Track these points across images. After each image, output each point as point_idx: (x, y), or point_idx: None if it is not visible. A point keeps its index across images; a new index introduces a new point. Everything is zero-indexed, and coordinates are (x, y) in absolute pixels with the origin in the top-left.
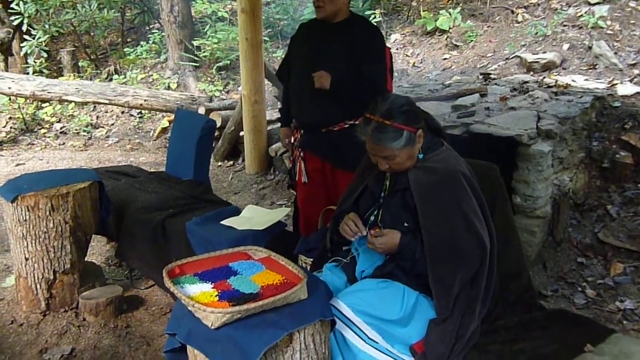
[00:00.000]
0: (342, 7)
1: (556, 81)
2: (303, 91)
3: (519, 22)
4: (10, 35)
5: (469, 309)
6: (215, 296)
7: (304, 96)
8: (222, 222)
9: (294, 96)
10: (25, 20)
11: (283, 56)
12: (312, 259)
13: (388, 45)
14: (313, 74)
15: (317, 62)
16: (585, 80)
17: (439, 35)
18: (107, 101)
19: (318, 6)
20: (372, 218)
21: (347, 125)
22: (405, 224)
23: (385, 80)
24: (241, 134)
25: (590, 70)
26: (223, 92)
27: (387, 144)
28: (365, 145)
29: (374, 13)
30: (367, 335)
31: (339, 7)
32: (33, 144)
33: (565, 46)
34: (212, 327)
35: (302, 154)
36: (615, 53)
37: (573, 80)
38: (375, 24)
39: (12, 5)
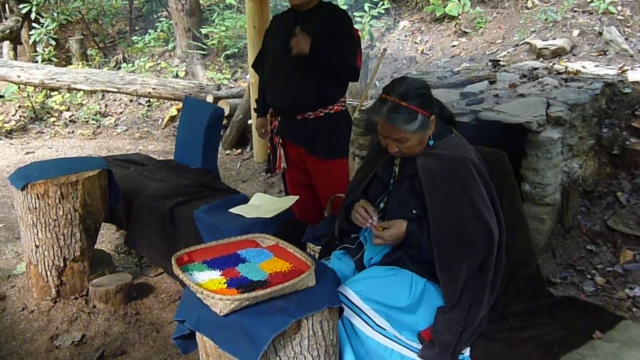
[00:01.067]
0: None
1: (566, 67)
2: (277, 78)
3: (528, 8)
4: (19, 24)
5: (477, 298)
6: (224, 283)
7: (278, 83)
8: (230, 210)
9: (269, 84)
10: (34, 9)
11: None
12: (320, 247)
13: (396, 33)
14: (292, 40)
15: (288, 50)
16: (596, 66)
17: (448, 22)
18: (115, 90)
19: None
20: (381, 205)
21: (322, 114)
22: (414, 211)
23: (355, 56)
24: (249, 122)
25: (601, 57)
26: (231, 80)
27: (401, 125)
28: (343, 134)
29: (382, 0)
30: (375, 323)
31: None
32: (42, 133)
33: (576, 32)
34: (221, 314)
35: (281, 140)
36: (626, 39)
37: (583, 67)
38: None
39: None
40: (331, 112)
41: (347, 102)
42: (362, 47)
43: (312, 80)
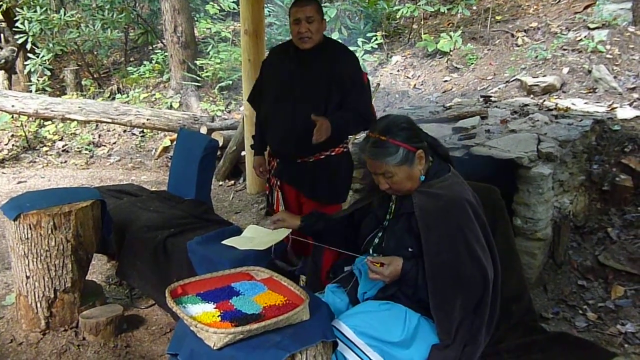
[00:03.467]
0: (323, 33)
1: (556, 104)
2: (278, 120)
3: (519, 46)
4: (15, 54)
5: (472, 338)
6: (218, 316)
7: (280, 126)
8: (223, 242)
9: (270, 124)
10: (30, 39)
11: None
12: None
13: (389, 68)
14: (315, 128)
15: (294, 89)
16: (585, 103)
17: (440, 58)
18: (109, 120)
19: (304, 37)
20: (376, 240)
21: (322, 156)
22: (410, 249)
23: (372, 109)
24: (242, 153)
25: (590, 94)
26: (225, 112)
27: (382, 159)
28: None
29: (375, 35)
30: (368, 357)
31: (321, 35)
32: (35, 162)
33: (565, 70)
34: (215, 348)
35: (278, 182)
36: (615, 77)
37: (573, 104)
38: (352, 50)
39: (17, 24)
40: (332, 154)
41: None
42: None
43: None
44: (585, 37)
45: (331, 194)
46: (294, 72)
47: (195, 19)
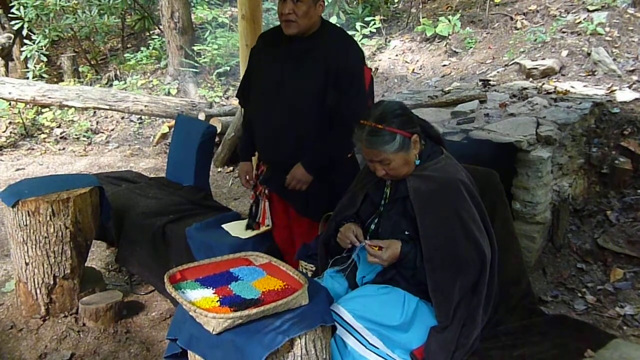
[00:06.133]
0: (316, 20)
1: (555, 87)
2: (268, 122)
3: (518, 29)
4: (11, 41)
5: (470, 318)
6: (217, 301)
7: (270, 129)
8: (223, 225)
9: (258, 127)
10: (26, 25)
11: None
12: (312, 265)
13: (388, 52)
14: (287, 177)
15: (285, 85)
16: (584, 86)
17: (439, 42)
18: (107, 107)
19: (288, 20)
20: (372, 226)
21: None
22: (406, 232)
23: (365, 108)
24: None
25: (589, 77)
26: (223, 98)
27: (380, 147)
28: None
29: (374, 19)
30: (367, 341)
31: (313, 21)
32: (33, 149)
33: (564, 53)
34: (214, 333)
35: (266, 191)
36: (614, 59)
37: (572, 87)
38: (353, 39)
39: (13, 10)
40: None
41: None
42: None
43: (314, 129)
44: (584, 19)
45: (327, 211)
46: (284, 65)
47: (192, 4)
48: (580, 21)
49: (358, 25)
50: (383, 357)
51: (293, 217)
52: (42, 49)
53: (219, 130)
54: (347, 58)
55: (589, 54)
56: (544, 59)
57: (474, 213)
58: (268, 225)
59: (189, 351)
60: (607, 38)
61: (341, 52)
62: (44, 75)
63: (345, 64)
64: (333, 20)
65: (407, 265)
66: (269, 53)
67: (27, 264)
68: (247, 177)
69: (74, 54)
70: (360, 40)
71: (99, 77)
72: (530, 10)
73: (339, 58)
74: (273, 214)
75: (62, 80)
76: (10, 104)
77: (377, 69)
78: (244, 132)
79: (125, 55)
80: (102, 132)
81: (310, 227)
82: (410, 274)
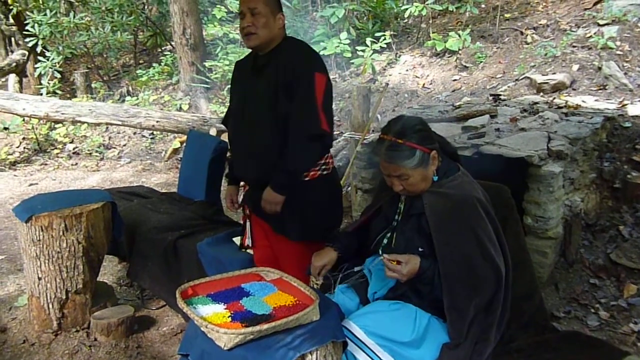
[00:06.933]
0: (278, 33)
1: (566, 102)
2: (238, 142)
3: (528, 44)
4: (25, 57)
5: (483, 335)
6: (228, 317)
7: (240, 149)
8: (234, 239)
9: (231, 148)
10: (40, 42)
11: None
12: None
13: (398, 67)
14: (262, 203)
15: (245, 107)
16: (596, 100)
17: (449, 57)
18: (120, 122)
19: (248, 32)
20: (385, 241)
21: None
22: (420, 249)
23: (317, 121)
24: None
25: (600, 91)
26: None
27: (400, 162)
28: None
29: (384, 35)
30: (379, 357)
31: (274, 34)
32: (46, 164)
33: (575, 67)
34: (225, 348)
35: (247, 211)
36: (625, 73)
37: (583, 101)
38: (311, 48)
39: (27, 28)
40: (306, 179)
41: (349, 135)
42: (365, 80)
43: (277, 145)
44: (595, 33)
45: (303, 229)
46: (246, 83)
47: (204, 21)
48: (591, 35)
49: (368, 40)
50: None
51: (271, 236)
52: (55, 66)
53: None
54: (296, 65)
55: (600, 68)
56: (554, 73)
57: (490, 231)
58: (248, 245)
59: None
60: (618, 52)
61: (292, 61)
62: (58, 91)
63: (293, 71)
64: (343, 35)
65: (425, 281)
66: (239, 76)
67: (39, 278)
68: (232, 199)
69: (87, 71)
70: (370, 55)
71: (111, 93)
72: (541, 24)
73: (288, 67)
74: (254, 233)
75: (75, 96)
76: (24, 120)
77: (387, 84)
78: (231, 155)
79: (137, 71)
80: (115, 148)
81: (289, 245)
82: (428, 289)
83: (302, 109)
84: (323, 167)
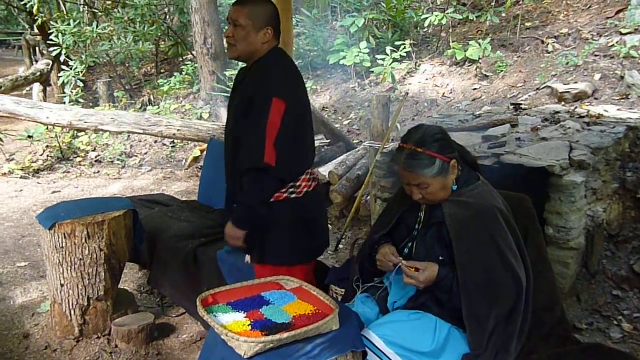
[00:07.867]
0: (259, 47)
1: (588, 111)
2: (225, 160)
3: (549, 52)
4: (49, 67)
5: (504, 346)
6: (248, 325)
7: (227, 167)
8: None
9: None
10: (63, 52)
11: (311, 88)
12: (343, 289)
13: (418, 76)
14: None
15: (228, 123)
16: (618, 110)
17: (469, 66)
18: (141, 131)
19: (229, 43)
20: (406, 250)
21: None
22: (440, 258)
23: (259, 153)
24: None
25: (623, 100)
26: None
27: (420, 171)
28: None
29: (404, 44)
30: None
31: (255, 48)
32: (68, 172)
33: (597, 76)
34: (245, 357)
35: None
36: None
37: (605, 110)
38: (279, 70)
39: (51, 37)
40: (269, 200)
41: (369, 144)
42: (385, 89)
43: (239, 171)
44: (617, 42)
45: (263, 252)
46: (231, 96)
47: (225, 30)
48: (613, 44)
49: (388, 49)
50: None
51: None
52: (78, 75)
53: None
54: (254, 85)
55: (622, 77)
56: (576, 82)
57: (510, 240)
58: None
59: None
60: None
61: (253, 80)
62: (80, 100)
63: (251, 92)
64: (363, 44)
65: (443, 289)
66: (233, 86)
67: (62, 285)
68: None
69: (109, 79)
70: (390, 64)
71: (133, 101)
72: (562, 33)
73: (249, 86)
74: None
75: (98, 105)
76: (47, 128)
77: (407, 93)
78: None
79: (158, 80)
80: (136, 156)
81: (261, 269)
82: (446, 297)
83: (247, 137)
84: (291, 189)
